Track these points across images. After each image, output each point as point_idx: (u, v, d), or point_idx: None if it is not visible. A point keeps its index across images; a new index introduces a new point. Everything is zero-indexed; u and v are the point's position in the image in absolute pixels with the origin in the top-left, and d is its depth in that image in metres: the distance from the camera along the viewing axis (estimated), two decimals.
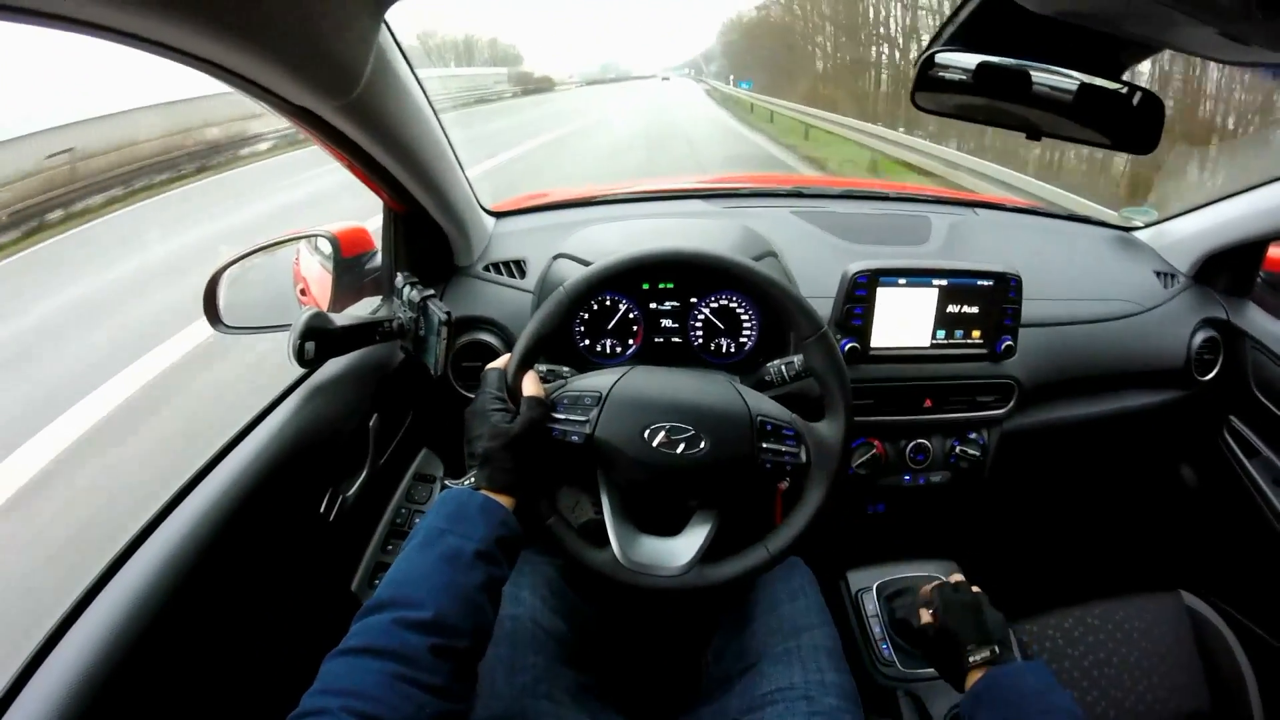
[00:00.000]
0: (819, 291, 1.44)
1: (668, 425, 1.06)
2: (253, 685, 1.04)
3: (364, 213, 1.54)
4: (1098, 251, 1.89)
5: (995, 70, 1.03)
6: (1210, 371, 1.78)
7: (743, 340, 1.46)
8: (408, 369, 1.45)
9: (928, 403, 1.52)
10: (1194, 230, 1.83)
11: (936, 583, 1.26)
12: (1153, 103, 1.02)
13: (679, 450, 1.06)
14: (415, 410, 1.54)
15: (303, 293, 1.59)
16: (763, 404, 1.12)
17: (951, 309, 1.45)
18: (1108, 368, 1.69)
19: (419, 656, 0.74)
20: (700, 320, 1.45)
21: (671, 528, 1.12)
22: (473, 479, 0.99)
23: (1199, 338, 1.75)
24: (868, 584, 1.65)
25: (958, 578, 1.26)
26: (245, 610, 1.04)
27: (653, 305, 1.44)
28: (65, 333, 5.34)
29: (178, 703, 0.90)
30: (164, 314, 5.03)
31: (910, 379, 1.49)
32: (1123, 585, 1.64)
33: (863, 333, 1.43)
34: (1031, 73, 1.01)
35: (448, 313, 1.28)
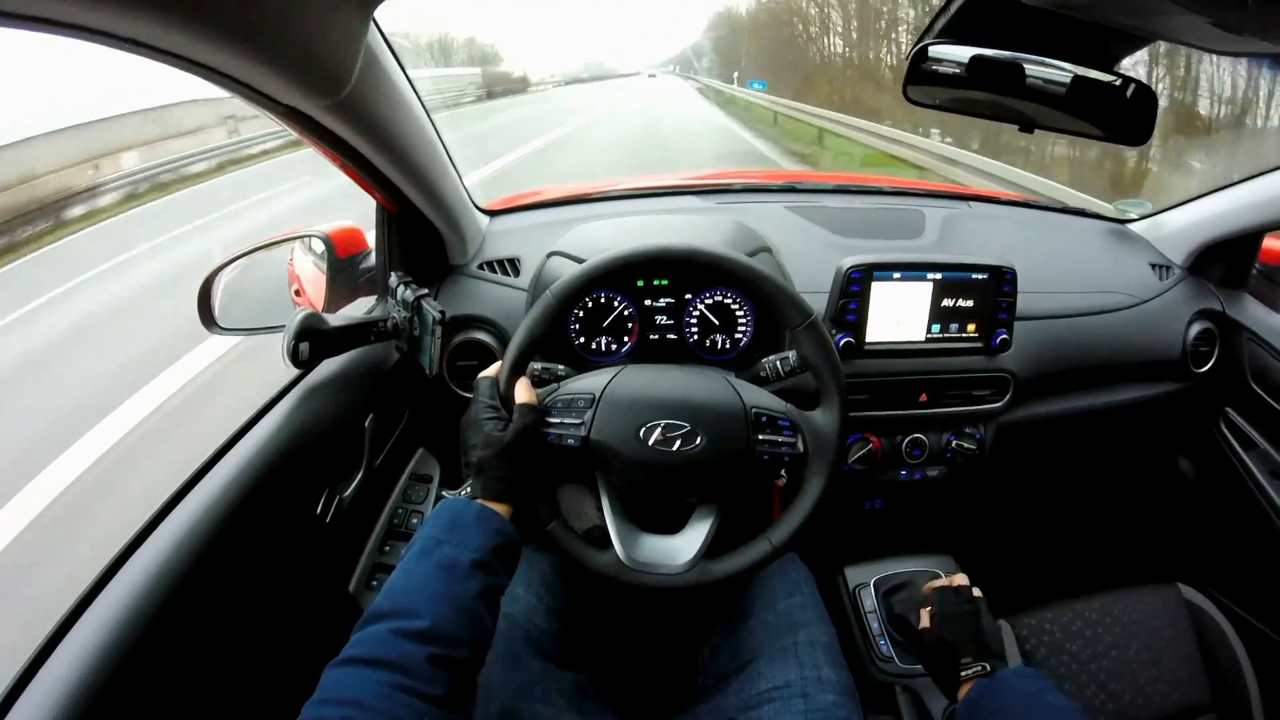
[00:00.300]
0: (813, 286, 1.44)
1: (663, 423, 1.06)
2: (251, 687, 1.04)
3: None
4: (1092, 244, 1.89)
5: (989, 63, 1.03)
6: (1206, 364, 1.78)
7: (738, 336, 1.46)
8: (403, 369, 1.45)
9: (923, 397, 1.51)
10: (1189, 222, 1.83)
11: (938, 584, 1.26)
12: (1145, 94, 1.02)
13: (675, 447, 1.06)
14: (411, 410, 1.53)
15: (297, 293, 1.58)
16: (757, 396, 1.12)
17: (946, 303, 1.45)
18: (1103, 360, 1.69)
19: (417, 666, 0.75)
20: (695, 317, 1.45)
21: (673, 525, 1.12)
22: (469, 489, 0.99)
23: (1194, 330, 1.75)
24: (865, 580, 1.65)
25: (960, 580, 1.25)
26: (243, 612, 1.04)
27: (647, 302, 1.44)
28: None
29: (176, 705, 0.90)
30: None
31: (905, 373, 1.49)
32: (1120, 578, 1.64)
33: (858, 327, 1.43)
34: (1025, 65, 1.02)
35: (441, 312, 1.28)
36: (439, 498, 1.53)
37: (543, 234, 1.58)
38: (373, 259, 1.54)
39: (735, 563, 1.09)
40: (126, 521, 0.97)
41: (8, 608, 2.49)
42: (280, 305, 1.58)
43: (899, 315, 1.44)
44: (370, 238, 1.53)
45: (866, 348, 1.44)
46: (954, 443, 1.55)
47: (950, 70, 1.05)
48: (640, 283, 1.43)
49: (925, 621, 1.20)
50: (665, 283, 1.44)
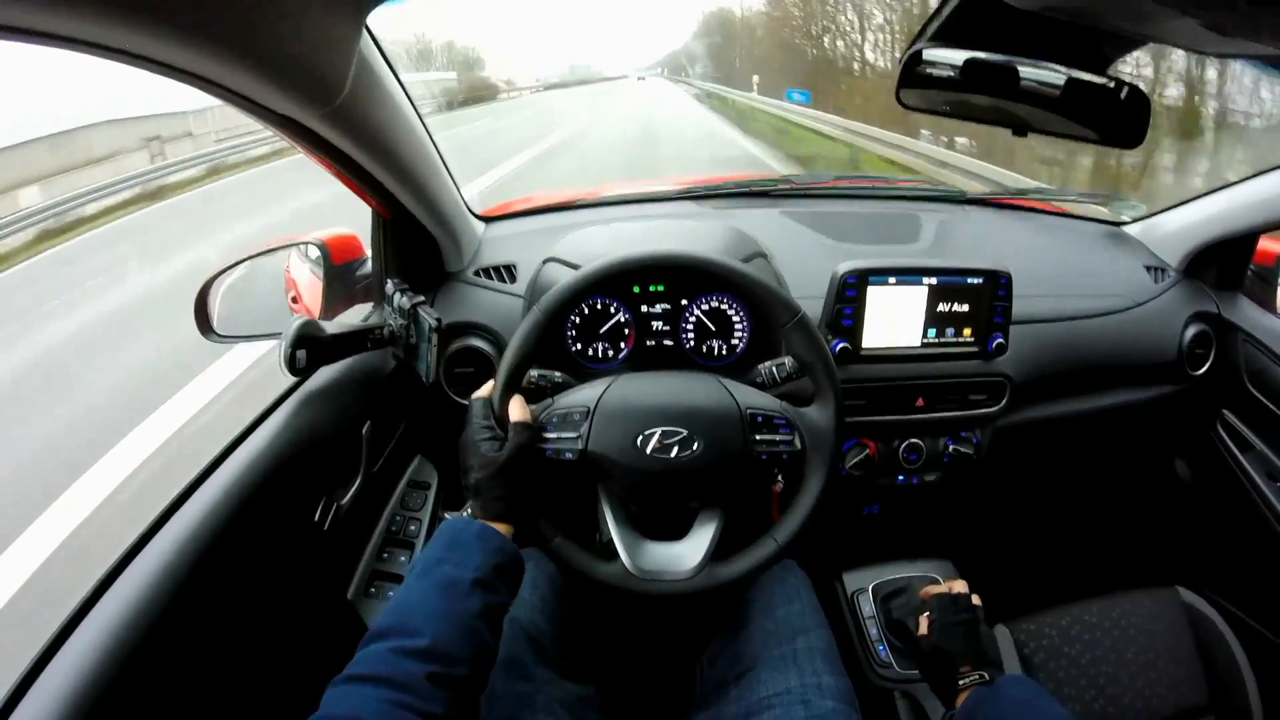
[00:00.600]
0: (809, 292, 1.44)
1: (659, 430, 1.07)
2: (250, 695, 1.04)
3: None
4: (1087, 247, 1.90)
5: (983, 66, 1.03)
6: (1202, 366, 1.78)
7: (735, 342, 1.46)
8: (400, 376, 1.45)
9: (920, 402, 1.51)
10: (1183, 224, 1.83)
11: (937, 591, 1.27)
12: (1138, 97, 1.02)
13: (673, 454, 1.06)
14: (408, 417, 1.53)
15: (294, 300, 1.58)
16: (751, 397, 1.12)
17: (942, 307, 1.45)
18: (1100, 363, 1.69)
19: (416, 684, 0.76)
20: (692, 323, 1.45)
21: (677, 532, 1.13)
22: (469, 510, 1.00)
23: (1190, 332, 1.75)
24: (863, 585, 1.65)
25: (959, 587, 1.26)
26: (241, 620, 1.03)
27: (644, 308, 1.44)
28: None
29: (175, 713, 0.90)
30: None
31: (902, 378, 1.49)
32: (1119, 582, 1.64)
33: (854, 333, 1.43)
34: (1019, 68, 1.02)
35: (438, 319, 1.28)
36: (437, 504, 1.54)
37: (539, 240, 1.58)
38: (369, 266, 1.54)
39: (742, 565, 1.10)
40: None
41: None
42: (278, 312, 1.59)
43: (895, 320, 1.44)
44: (367, 244, 1.52)
45: (863, 353, 1.44)
46: (951, 447, 1.55)
47: (944, 74, 1.05)
48: (636, 289, 1.43)
49: (924, 629, 1.21)
50: (662, 289, 1.44)
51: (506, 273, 1.55)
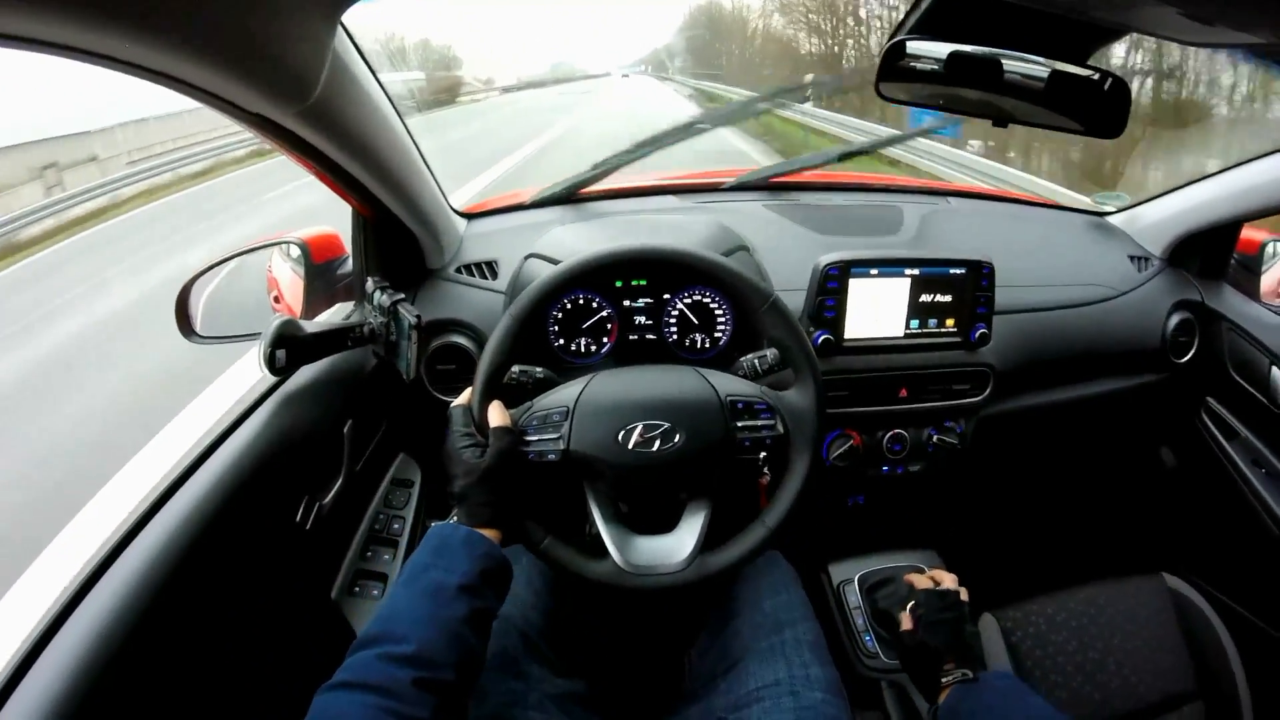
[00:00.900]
0: (792, 284, 1.44)
1: (640, 424, 1.06)
2: (234, 697, 1.03)
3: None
4: (1071, 237, 1.90)
5: (967, 59, 1.03)
6: (1186, 354, 1.79)
7: (717, 335, 1.46)
8: (382, 374, 1.44)
9: (903, 392, 1.51)
10: (1167, 214, 1.84)
11: (923, 583, 1.28)
12: (1120, 87, 1.02)
13: (656, 447, 1.06)
14: (391, 415, 1.53)
15: (276, 299, 1.58)
16: (730, 384, 1.12)
17: (924, 298, 1.45)
18: (1084, 352, 1.70)
19: (402, 689, 0.76)
20: (674, 316, 1.45)
21: (665, 525, 1.12)
22: (455, 518, 1.00)
23: (1174, 320, 1.76)
24: (849, 576, 1.66)
25: (947, 581, 1.27)
26: (223, 621, 1.03)
27: (626, 303, 1.44)
28: None
29: (159, 715, 0.89)
30: None
31: (885, 369, 1.49)
32: (1105, 569, 1.64)
33: (836, 324, 1.43)
34: (1003, 60, 1.02)
35: (418, 316, 1.28)
36: (420, 502, 1.53)
37: (520, 236, 1.57)
38: (350, 264, 1.53)
39: (733, 553, 1.09)
40: None
41: None
42: (260, 312, 1.57)
43: (877, 311, 1.44)
44: (348, 243, 1.51)
45: (845, 344, 1.44)
46: (935, 437, 1.55)
47: (927, 66, 1.05)
48: (619, 283, 1.43)
49: (908, 624, 1.21)
50: (644, 283, 1.43)
51: (488, 269, 1.55)
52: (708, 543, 1.09)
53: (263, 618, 1.13)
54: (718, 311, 1.45)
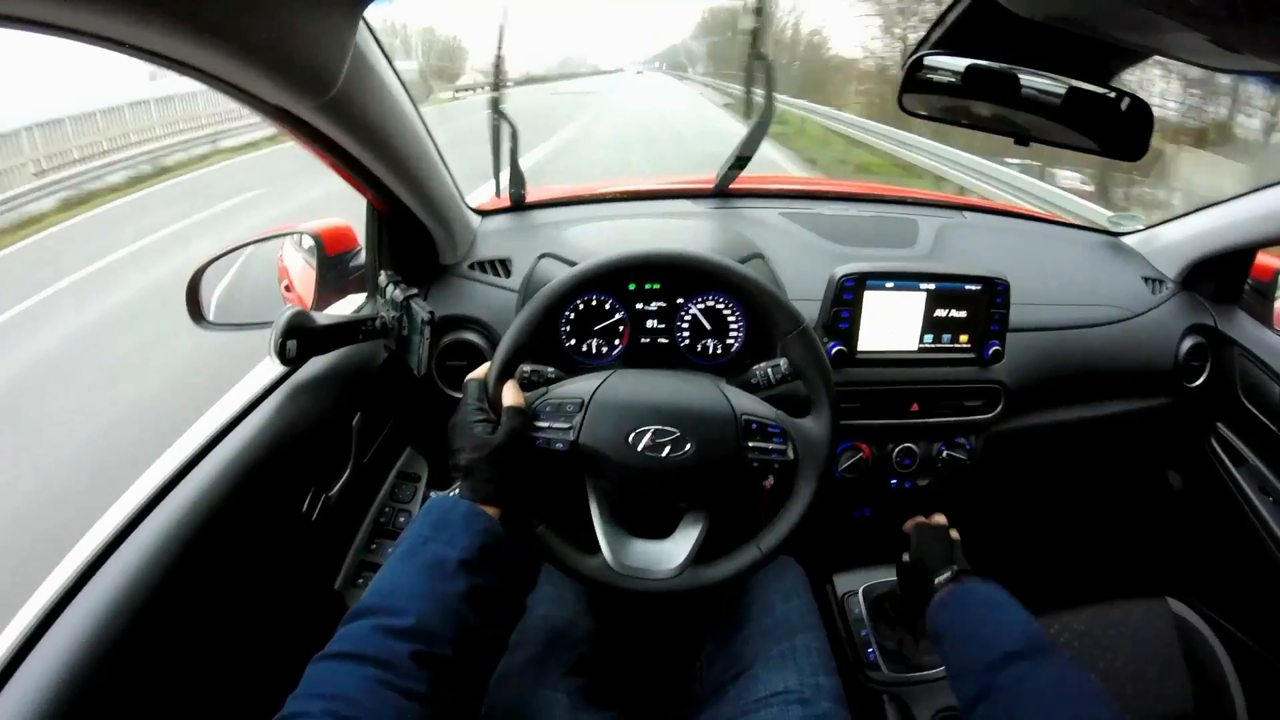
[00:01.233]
0: (806, 294, 1.43)
1: (652, 428, 1.06)
2: (235, 684, 1.04)
3: None
4: (1086, 256, 1.89)
5: (984, 73, 1.03)
6: (1198, 378, 1.78)
7: (729, 342, 1.45)
8: (391, 368, 1.44)
9: (914, 407, 1.50)
10: (1182, 236, 1.83)
11: (916, 520, 1.38)
12: (1141, 109, 1.01)
13: (665, 453, 1.05)
14: (399, 409, 1.53)
15: (287, 289, 1.58)
16: (747, 403, 1.11)
17: (939, 313, 1.44)
18: (1095, 373, 1.69)
19: (400, 663, 0.75)
20: (687, 321, 1.44)
21: (662, 530, 1.12)
22: (457, 490, 0.99)
23: (1186, 344, 1.74)
24: (854, 587, 1.65)
25: (939, 519, 1.36)
26: (227, 609, 1.03)
27: (639, 306, 1.43)
28: None
29: (160, 701, 0.89)
30: None
31: (897, 382, 1.48)
32: (1110, 591, 1.64)
33: (850, 336, 1.42)
34: (1020, 76, 1.01)
35: (431, 312, 1.27)
36: (427, 496, 1.53)
37: (535, 235, 1.57)
38: (362, 257, 1.53)
39: (724, 569, 1.09)
40: None
41: None
42: (271, 301, 1.58)
43: (891, 325, 1.44)
44: (360, 236, 1.52)
45: (858, 356, 1.43)
46: (944, 453, 1.55)
47: (945, 79, 1.05)
48: (632, 286, 1.42)
49: (905, 556, 1.33)
50: (658, 287, 1.43)
51: (501, 267, 1.54)
52: (701, 553, 1.08)
53: (265, 606, 1.13)
54: (731, 318, 1.44)
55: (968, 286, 1.43)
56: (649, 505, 1.16)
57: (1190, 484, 1.96)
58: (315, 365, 1.30)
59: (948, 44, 1.01)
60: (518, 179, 1.72)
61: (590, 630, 1.24)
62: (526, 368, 1.17)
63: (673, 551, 1.08)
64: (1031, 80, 1.01)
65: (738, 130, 1.89)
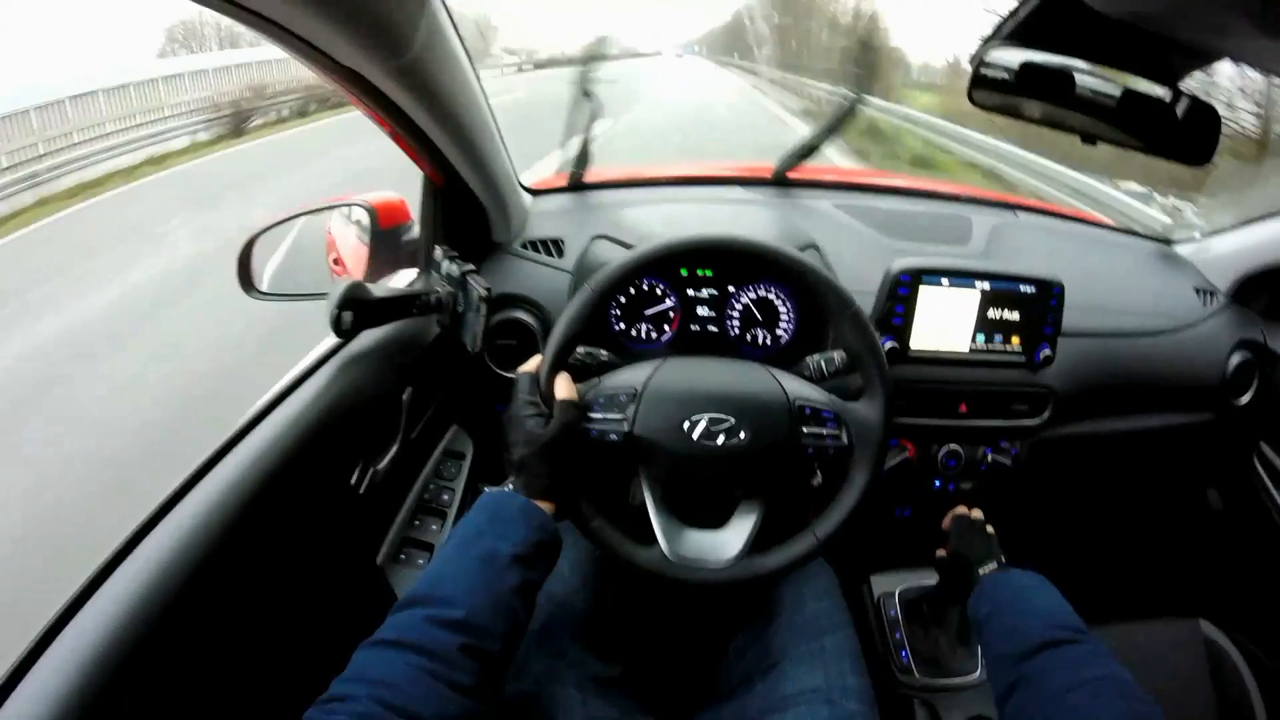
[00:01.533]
0: (859, 287, 1.40)
1: (707, 416, 1.05)
2: (274, 654, 1.04)
3: None
4: (1137, 263, 1.86)
5: (1037, 70, 1.01)
6: (1244, 395, 1.75)
7: (779, 333, 1.45)
8: (442, 344, 1.44)
9: (963, 408, 1.49)
10: (1236, 248, 1.79)
11: (957, 511, 1.39)
12: (1206, 112, 0.99)
13: (719, 441, 1.05)
14: (447, 386, 1.53)
15: (336, 262, 1.59)
16: (800, 388, 1.11)
17: (993, 314, 1.42)
18: (1141, 383, 1.66)
19: (449, 654, 0.76)
20: (738, 310, 1.44)
21: (717, 520, 1.11)
22: (510, 485, 0.99)
23: (1235, 359, 1.71)
24: (890, 589, 1.64)
25: (976, 514, 1.37)
26: (271, 579, 1.04)
27: (690, 292, 1.43)
28: None
29: (202, 671, 0.90)
30: None
31: (947, 382, 1.47)
32: (1143, 608, 1.61)
33: (903, 333, 1.41)
34: (1075, 74, 0.99)
35: (488, 289, 1.27)
36: (471, 475, 1.54)
37: (588, 216, 1.57)
38: (415, 231, 1.53)
39: (780, 558, 1.08)
40: None
41: None
42: (318, 273, 1.59)
43: (945, 323, 1.42)
44: (412, 210, 1.53)
45: (910, 354, 1.42)
46: (990, 456, 1.53)
47: (999, 75, 1.03)
48: (684, 271, 1.42)
49: (943, 551, 1.35)
50: (710, 273, 1.42)
51: (554, 247, 1.54)
52: (756, 543, 1.08)
53: (308, 578, 1.14)
54: (782, 309, 1.44)
55: (1023, 287, 1.41)
56: (703, 494, 1.15)
57: (1229, 503, 1.93)
58: (367, 338, 1.30)
59: (1019, 38, 0.99)
60: (583, 159, 1.71)
61: (590, 603, 1.23)
62: (580, 351, 1.17)
63: (728, 541, 1.08)
64: (1086, 79, 1.00)
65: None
